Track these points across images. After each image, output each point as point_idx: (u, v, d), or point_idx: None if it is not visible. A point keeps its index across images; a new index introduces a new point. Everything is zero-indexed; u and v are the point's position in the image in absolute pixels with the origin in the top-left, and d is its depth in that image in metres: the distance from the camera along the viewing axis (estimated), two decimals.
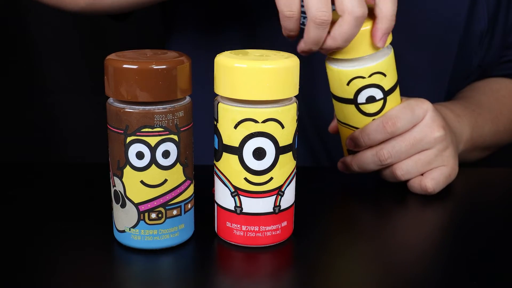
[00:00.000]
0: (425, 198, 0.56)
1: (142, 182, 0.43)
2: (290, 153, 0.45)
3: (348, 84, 0.53)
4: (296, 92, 0.45)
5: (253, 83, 0.42)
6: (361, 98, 0.54)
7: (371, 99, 0.54)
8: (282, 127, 0.44)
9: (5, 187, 0.57)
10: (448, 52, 0.71)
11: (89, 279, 0.42)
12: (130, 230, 0.44)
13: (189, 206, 0.46)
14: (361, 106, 0.54)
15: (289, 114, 0.44)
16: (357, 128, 0.56)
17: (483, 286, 0.42)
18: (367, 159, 0.56)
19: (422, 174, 0.56)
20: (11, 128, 1.05)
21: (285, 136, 0.44)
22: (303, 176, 0.53)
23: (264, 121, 0.43)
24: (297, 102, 0.45)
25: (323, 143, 0.73)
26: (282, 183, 0.45)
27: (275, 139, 0.44)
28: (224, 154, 0.45)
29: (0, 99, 1.02)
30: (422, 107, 0.55)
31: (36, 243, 0.47)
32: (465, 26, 0.70)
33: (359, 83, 0.53)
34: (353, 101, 0.54)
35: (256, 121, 0.43)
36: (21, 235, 0.48)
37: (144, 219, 0.44)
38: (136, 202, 0.44)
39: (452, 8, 0.69)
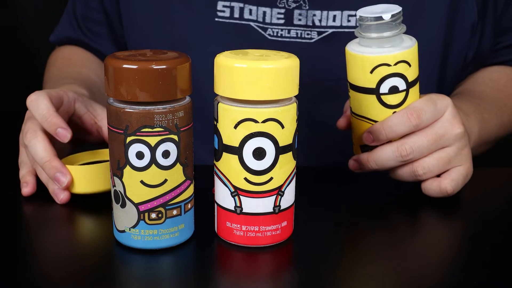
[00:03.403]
0: (429, 198, 0.55)
1: (142, 182, 0.43)
2: (290, 153, 0.45)
3: (371, 72, 0.52)
4: (296, 92, 0.45)
5: (253, 83, 0.42)
6: (384, 88, 0.52)
7: (394, 90, 0.53)
8: (282, 127, 0.44)
9: (5, 187, 0.57)
10: (432, 43, 0.69)
11: (89, 279, 0.42)
12: (130, 230, 0.44)
13: (189, 206, 0.46)
14: (382, 97, 0.53)
15: (289, 114, 0.44)
16: (375, 121, 0.54)
17: None
18: (387, 154, 0.54)
19: (438, 175, 0.55)
20: (11, 128, 1.05)
21: (285, 136, 0.44)
22: (303, 176, 0.53)
23: (264, 121, 0.43)
24: (297, 102, 0.45)
25: (319, 143, 0.72)
26: (282, 183, 0.45)
27: (275, 139, 0.44)
28: (224, 154, 0.44)
29: (0, 99, 1.02)
30: (443, 101, 0.54)
31: (36, 243, 0.47)
32: (450, 16, 0.68)
33: (384, 71, 0.52)
34: (375, 91, 0.53)
35: (256, 121, 0.43)
36: (21, 234, 0.48)
37: (144, 219, 0.44)
38: (136, 202, 0.44)
39: None
